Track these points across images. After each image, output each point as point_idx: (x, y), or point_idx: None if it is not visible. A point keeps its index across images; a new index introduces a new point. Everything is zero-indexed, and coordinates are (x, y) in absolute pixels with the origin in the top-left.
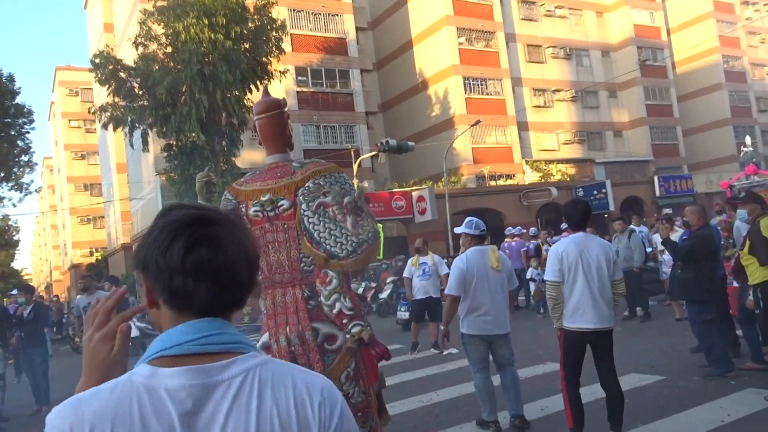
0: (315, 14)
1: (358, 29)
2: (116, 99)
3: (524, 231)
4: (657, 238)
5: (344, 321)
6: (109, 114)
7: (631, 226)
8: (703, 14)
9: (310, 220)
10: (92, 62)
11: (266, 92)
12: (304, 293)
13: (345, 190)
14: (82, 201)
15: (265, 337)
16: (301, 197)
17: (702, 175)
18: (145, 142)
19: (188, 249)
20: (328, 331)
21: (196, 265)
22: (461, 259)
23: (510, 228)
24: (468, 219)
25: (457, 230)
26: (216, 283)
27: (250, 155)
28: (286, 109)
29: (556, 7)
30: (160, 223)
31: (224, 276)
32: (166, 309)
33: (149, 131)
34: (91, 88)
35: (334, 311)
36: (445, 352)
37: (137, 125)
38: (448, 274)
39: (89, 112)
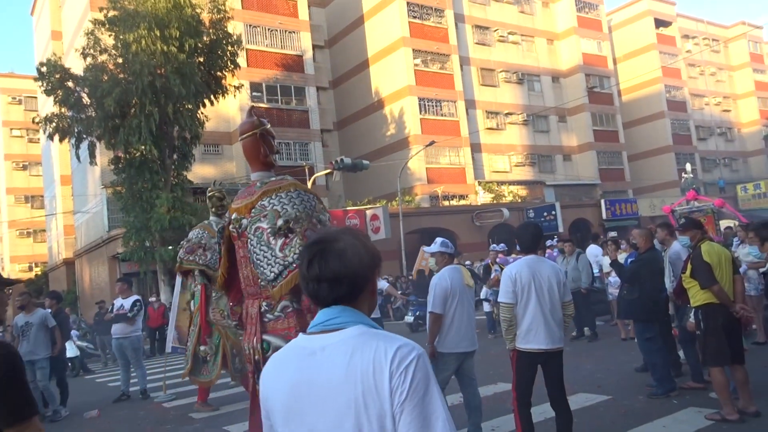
0: (272, 30)
1: (315, 47)
2: (63, 109)
3: (506, 248)
4: (606, 260)
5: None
6: (54, 124)
7: (592, 246)
8: (646, 46)
9: (251, 242)
10: (38, 71)
11: (249, 113)
12: (261, 307)
13: (285, 211)
14: (22, 213)
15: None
16: (249, 220)
17: (646, 199)
18: (92, 155)
19: (309, 263)
20: (279, 345)
21: (313, 274)
22: (443, 278)
23: (494, 245)
24: (440, 239)
25: (429, 249)
26: (329, 284)
27: (202, 170)
28: (266, 127)
29: (509, 33)
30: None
31: (333, 279)
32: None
33: (97, 143)
34: (35, 97)
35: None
36: None
37: (84, 137)
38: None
39: (33, 121)
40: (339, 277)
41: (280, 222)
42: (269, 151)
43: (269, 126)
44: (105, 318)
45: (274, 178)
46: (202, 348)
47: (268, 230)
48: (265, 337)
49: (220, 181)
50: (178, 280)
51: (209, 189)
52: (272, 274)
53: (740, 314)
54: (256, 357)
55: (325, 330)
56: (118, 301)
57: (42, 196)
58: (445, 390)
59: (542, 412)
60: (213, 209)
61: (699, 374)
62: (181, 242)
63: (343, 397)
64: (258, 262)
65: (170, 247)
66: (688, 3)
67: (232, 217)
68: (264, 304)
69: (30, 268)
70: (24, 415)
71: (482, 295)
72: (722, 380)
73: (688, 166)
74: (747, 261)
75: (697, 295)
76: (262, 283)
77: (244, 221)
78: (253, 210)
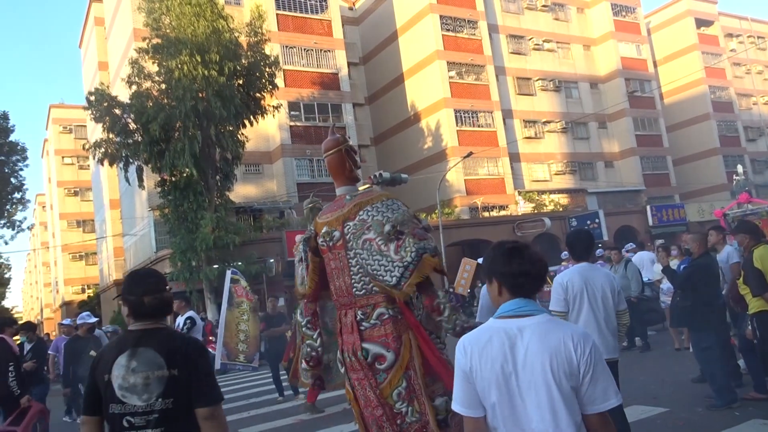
0: (307, 50)
1: (349, 64)
2: (111, 135)
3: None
4: (658, 267)
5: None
6: (103, 150)
7: (640, 253)
8: (687, 47)
9: (362, 256)
10: (87, 100)
11: (331, 131)
12: (357, 316)
13: (386, 218)
14: (75, 237)
15: (339, 353)
16: (350, 236)
17: (694, 204)
18: (139, 178)
19: (509, 260)
20: (378, 352)
21: (513, 270)
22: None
23: (566, 252)
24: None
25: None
26: (524, 278)
27: (244, 189)
28: (348, 144)
29: (544, 41)
30: (498, 251)
31: (525, 275)
32: (506, 294)
33: (144, 167)
34: (84, 125)
35: (457, 330)
36: None
37: (131, 161)
38: None
39: (83, 148)
40: (530, 274)
41: (387, 228)
42: (354, 166)
43: (351, 142)
44: None
45: (361, 191)
46: (325, 357)
47: (378, 239)
48: (364, 345)
49: (314, 193)
50: (225, 297)
51: (307, 201)
52: (394, 279)
53: None
54: (351, 363)
55: (518, 315)
56: (179, 319)
57: (93, 220)
58: None
59: None
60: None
61: (762, 384)
62: (297, 261)
63: (540, 365)
64: (375, 272)
65: (215, 266)
66: (731, 1)
67: (323, 231)
68: (359, 312)
69: (83, 290)
70: (218, 399)
71: None
72: None
73: (740, 168)
74: None
75: (752, 302)
76: (356, 292)
77: (336, 233)
78: (350, 224)
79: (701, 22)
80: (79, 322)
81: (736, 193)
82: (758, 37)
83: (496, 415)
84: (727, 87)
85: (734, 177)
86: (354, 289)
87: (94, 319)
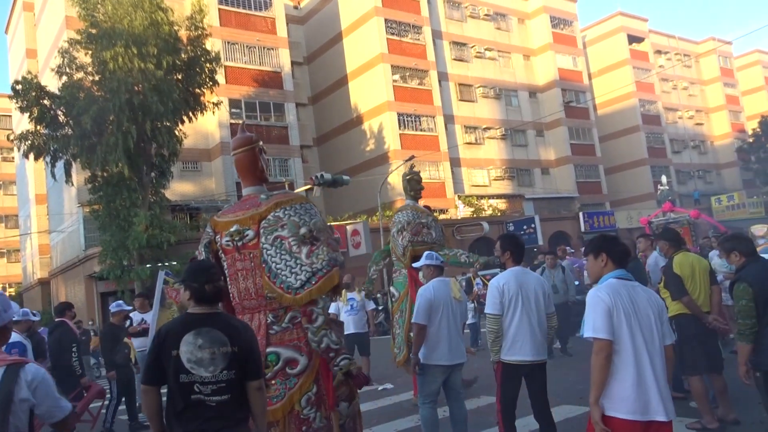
0: (250, 47)
1: (293, 63)
2: (38, 127)
3: (573, 251)
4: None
5: (331, 355)
6: (30, 143)
7: (566, 260)
8: (620, 61)
9: (269, 252)
10: (13, 89)
11: (242, 128)
12: (267, 319)
13: (303, 221)
14: None
15: None
16: (261, 230)
17: (623, 212)
18: (68, 174)
19: (619, 243)
20: (290, 356)
21: (621, 249)
22: (428, 289)
23: (570, 248)
24: (427, 252)
25: (417, 264)
26: (626, 255)
27: (181, 187)
28: (261, 144)
29: (486, 50)
30: (607, 237)
31: (627, 253)
32: (610, 265)
33: (73, 162)
34: (9, 115)
35: (322, 346)
36: (380, 388)
37: (60, 155)
38: (374, 309)
39: (8, 139)
40: (630, 252)
41: (303, 230)
42: (265, 166)
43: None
44: (130, 330)
45: (277, 192)
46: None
47: (291, 239)
48: (270, 349)
49: (413, 165)
50: (157, 298)
51: (406, 173)
52: (298, 282)
53: (712, 325)
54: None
55: (627, 278)
56: (137, 315)
57: (16, 216)
58: (436, 402)
59: (526, 424)
60: (412, 192)
61: (679, 383)
62: (395, 232)
63: (650, 311)
64: (279, 270)
65: (148, 266)
66: (660, 19)
67: (232, 229)
68: (270, 315)
69: (3, 289)
70: (262, 373)
71: None
72: (701, 389)
73: (664, 179)
74: (723, 272)
75: (671, 306)
76: (268, 294)
77: (250, 232)
78: (264, 221)
79: (633, 38)
80: (114, 309)
81: (661, 202)
82: (684, 55)
83: (634, 336)
84: (656, 101)
85: (659, 187)
86: (266, 291)
87: (128, 308)
